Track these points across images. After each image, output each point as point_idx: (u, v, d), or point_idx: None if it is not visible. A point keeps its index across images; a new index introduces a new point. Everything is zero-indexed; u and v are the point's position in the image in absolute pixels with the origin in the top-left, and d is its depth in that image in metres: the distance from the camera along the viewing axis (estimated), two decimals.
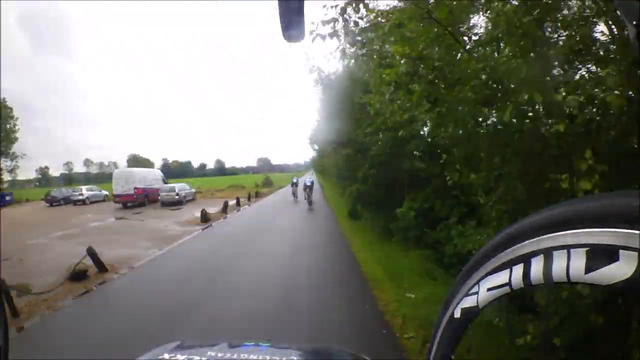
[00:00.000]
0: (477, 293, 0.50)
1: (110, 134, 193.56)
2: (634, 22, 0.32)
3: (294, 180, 22.60)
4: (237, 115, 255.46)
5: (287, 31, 0.57)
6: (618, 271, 0.32)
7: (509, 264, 0.44)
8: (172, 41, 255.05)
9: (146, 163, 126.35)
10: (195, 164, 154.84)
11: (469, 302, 0.52)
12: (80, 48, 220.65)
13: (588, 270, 0.34)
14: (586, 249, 0.35)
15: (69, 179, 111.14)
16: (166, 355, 0.92)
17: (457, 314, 0.55)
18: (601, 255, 0.33)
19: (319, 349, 1.17)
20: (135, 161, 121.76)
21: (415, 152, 9.26)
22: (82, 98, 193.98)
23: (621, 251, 0.31)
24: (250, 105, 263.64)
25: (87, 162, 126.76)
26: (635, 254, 0.30)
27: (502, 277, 0.46)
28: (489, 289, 0.48)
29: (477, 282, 0.50)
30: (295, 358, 0.98)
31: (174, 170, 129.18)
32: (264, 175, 37.39)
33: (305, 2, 0.55)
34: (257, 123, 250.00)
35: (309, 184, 18.84)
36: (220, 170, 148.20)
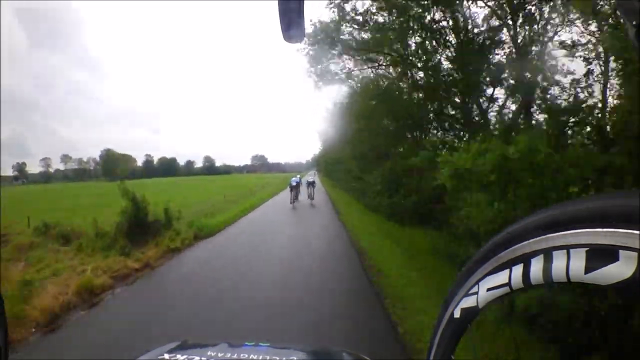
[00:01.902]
0: (476, 293, 0.50)
1: (109, 130, 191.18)
2: (634, 22, 0.32)
3: (293, 183, 17.47)
4: (232, 109, 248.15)
5: (287, 31, 0.57)
6: (618, 271, 0.32)
7: (508, 264, 0.44)
8: (167, 37, 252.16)
9: (124, 160, 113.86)
10: (188, 162, 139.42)
11: (468, 302, 0.52)
12: (75, 44, 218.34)
13: (588, 270, 0.34)
14: (586, 249, 0.35)
15: (47, 176, 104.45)
16: (166, 356, 0.92)
17: (457, 314, 0.55)
18: (601, 255, 0.33)
19: (319, 350, 1.17)
20: (109, 157, 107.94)
21: None
22: (78, 94, 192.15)
23: (621, 251, 0.31)
24: (245, 98, 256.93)
25: (64, 159, 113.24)
26: (635, 254, 0.30)
27: (501, 277, 0.45)
28: (488, 289, 0.48)
29: (477, 282, 0.50)
30: (295, 358, 0.98)
31: (158, 168, 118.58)
32: (118, 184, 8.73)
33: (305, 2, 0.55)
34: (253, 117, 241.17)
35: (309, 180, 19.00)
36: (210, 168, 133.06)
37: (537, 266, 0.40)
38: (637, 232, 0.30)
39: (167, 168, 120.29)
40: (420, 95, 9.30)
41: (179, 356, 0.91)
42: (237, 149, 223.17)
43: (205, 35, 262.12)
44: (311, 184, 18.41)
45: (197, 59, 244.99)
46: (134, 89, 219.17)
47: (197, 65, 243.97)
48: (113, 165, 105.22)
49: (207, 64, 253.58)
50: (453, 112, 9.20)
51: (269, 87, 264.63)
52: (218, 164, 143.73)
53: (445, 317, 0.58)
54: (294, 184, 17.32)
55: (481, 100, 8.26)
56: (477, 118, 8.21)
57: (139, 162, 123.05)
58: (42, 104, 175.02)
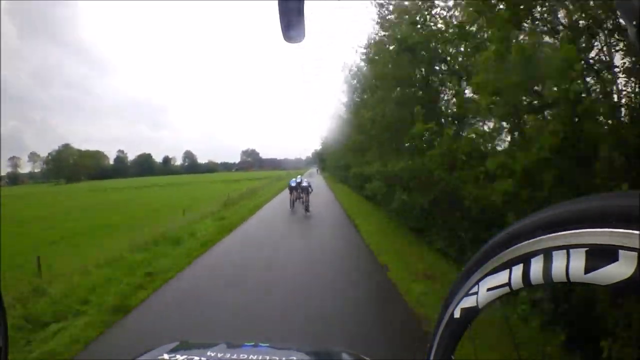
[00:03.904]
0: (476, 293, 0.50)
1: (101, 125, 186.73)
2: (634, 22, 0.32)
3: (292, 184, 14.08)
4: (223, 98, 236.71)
5: (287, 32, 0.57)
6: (617, 271, 0.32)
7: (508, 264, 0.44)
8: (160, 32, 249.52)
9: (88, 157, 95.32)
10: (166, 158, 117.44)
11: (468, 302, 0.52)
12: (70, 36, 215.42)
13: (588, 270, 0.34)
14: (586, 249, 0.35)
15: (15, 177, 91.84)
16: (165, 356, 0.92)
17: (457, 314, 0.55)
18: (601, 255, 0.33)
19: (319, 350, 1.17)
20: (66, 154, 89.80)
21: None
22: (71, 88, 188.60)
23: (620, 251, 0.31)
24: (237, 86, 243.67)
25: (32, 157, 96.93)
26: (635, 254, 0.30)
27: (501, 277, 0.46)
28: (488, 289, 0.48)
29: (477, 282, 0.50)
30: (294, 359, 0.98)
31: (132, 167, 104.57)
32: None
33: (305, 2, 0.55)
34: (245, 106, 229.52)
35: (303, 184, 13.48)
36: (191, 166, 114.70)
37: (537, 266, 0.40)
38: (637, 232, 0.30)
39: (141, 166, 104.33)
40: None
41: (178, 356, 0.91)
42: (229, 143, 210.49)
43: (194, 19, 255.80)
44: (305, 190, 13.02)
45: (186, 46, 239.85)
46: (124, 80, 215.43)
47: (187, 52, 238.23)
48: (70, 164, 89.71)
49: (195, 50, 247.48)
50: None
51: (262, 74, 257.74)
52: (203, 160, 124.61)
53: (445, 317, 0.58)
54: (294, 184, 14.10)
55: None
56: None
57: (111, 159, 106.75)
58: (38, 98, 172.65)
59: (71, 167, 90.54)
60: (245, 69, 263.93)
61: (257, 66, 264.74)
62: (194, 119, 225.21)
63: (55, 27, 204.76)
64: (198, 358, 0.91)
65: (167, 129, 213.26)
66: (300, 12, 0.55)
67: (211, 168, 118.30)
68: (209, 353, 0.94)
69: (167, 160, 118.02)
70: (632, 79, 3.47)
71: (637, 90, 3.47)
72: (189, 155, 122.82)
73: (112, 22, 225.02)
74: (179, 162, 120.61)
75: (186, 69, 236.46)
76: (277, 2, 0.54)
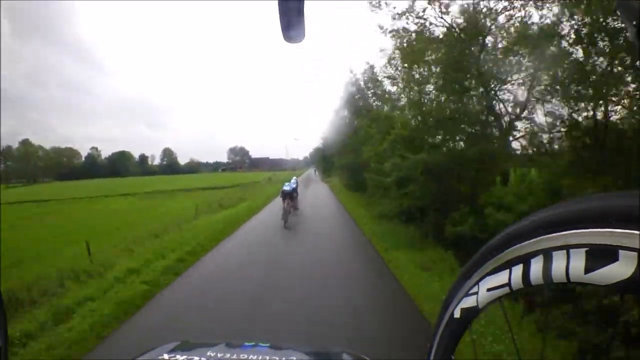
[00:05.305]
0: (476, 293, 0.50)
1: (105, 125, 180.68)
2: (634, 22, 0.32)
3: (287, 188, 11.19)
4: (217, 95, 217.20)
5: (287, 31, 0.57)
6: (617, 271, 0.32)
7: (508, 264, 0.44)
8: (158, 30, 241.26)
9: (60, 154, 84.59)
10: (142, 157, 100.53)
11: (468, 302, 0.52)
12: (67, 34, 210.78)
13: (588, 270, 0.34)
14: (586, 249, 0.35)
15: None
16: (165, 356, 0.92)
17: (457, 314, 0.55)
18: (601, 255, 0.33)
19: (320, 350, 1.17)
20: (22, 151, 75.83)
21: None
22: (71, 88, 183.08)
23: (620, 251, 0.31)
24: (230, 79, 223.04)
25: (5, 154, 79.39)
26: (635, 254, 0.30)
27: (501, 278, 0.46)
28: (488, 289, 0.48)
29: (477, 283, 0.50)
30: (294, 359, 0.98)
31: (105, 166, 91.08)
32: None
33: (305, 2, 0.55)
34: (242, 105, 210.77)
35: (286, 188, 11.21)
36: (170, 166, 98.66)
37: (536, 266, 0.40)
38: (637, 232, 0.30)
39: (113, 166, 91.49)
40: None
41: (178, 356, 0.91)
42: (226, 143, 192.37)
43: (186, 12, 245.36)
44: (289, 195, 11.10)
45: (184, 45, 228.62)
46: (124, 80, 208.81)
47: (186, 52, 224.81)
48: (31, 163, 78.21)
49: (194, 50, 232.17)
50: None
51: (262, 73, 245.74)
52: (186, 160, 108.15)
53: (445, 317, 0.58)
54: (289, 186, 11.63)
55: None
56: None
57: (83, 156, 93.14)
58: (38, 98, 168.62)
59: (32, 166, 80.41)
60: (245, 68, 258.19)
61: (257, 66, 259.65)
62: (192, 118, 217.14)
63: (55, 27, 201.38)
64: (198, 358, 0.91)
65: (166, 128, 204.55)
66: (300, 12, 0.55)
67: (193, 168, 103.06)
68: (208, 353, 0.94)
69: (143, 158, 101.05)
70: None
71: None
72: (167, 154, 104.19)
73: (110, 22, 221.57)
74: (157, 161, 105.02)
75: (185, 68, 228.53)
76: (277, 2, 0.54)
